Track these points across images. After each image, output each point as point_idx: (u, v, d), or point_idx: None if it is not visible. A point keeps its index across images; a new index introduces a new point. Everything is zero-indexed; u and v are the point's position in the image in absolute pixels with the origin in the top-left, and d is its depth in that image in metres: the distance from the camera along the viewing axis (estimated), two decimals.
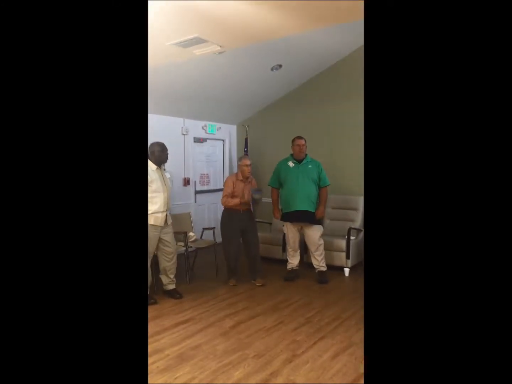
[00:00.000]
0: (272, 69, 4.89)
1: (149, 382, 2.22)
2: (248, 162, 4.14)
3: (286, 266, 4.42)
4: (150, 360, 2.49)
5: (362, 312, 3.29)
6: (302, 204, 4.13)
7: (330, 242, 4.57)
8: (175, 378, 2.28)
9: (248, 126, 6.40)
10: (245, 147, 6.26)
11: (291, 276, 4.30)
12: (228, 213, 4.15)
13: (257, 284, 4.07)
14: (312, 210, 4.17)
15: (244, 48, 3.91)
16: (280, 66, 4.86)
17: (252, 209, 4.30)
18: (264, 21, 2.56)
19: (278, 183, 4.32)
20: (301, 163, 4.22)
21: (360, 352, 2.57)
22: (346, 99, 5.42)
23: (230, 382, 2.23)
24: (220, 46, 2.75)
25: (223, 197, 4.14)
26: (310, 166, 4.23)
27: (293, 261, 4.37)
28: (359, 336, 2.82)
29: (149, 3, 2.08)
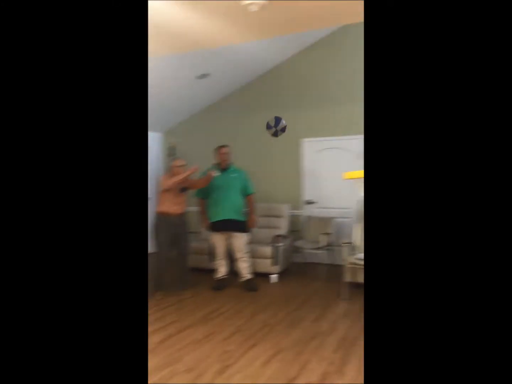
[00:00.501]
0: (198, 77, 4.88)
1: None
2: (179, 163, 4.10)
3: (214, 275, 4.40)
4: None
5: (290, 317, 3.39)
6: (229, 213, 4.16)
7: (256, 249, 4.65)
8: None
9: (174, 134, 6.28)
10: (172, 155, 6.13)
11: (220, 285, 4.29)
12: (160, 219, 4.01)
13: (155, 298, 3.93)
14: (240, 219, 4.22)
15: (169, 56, 3.85)
16: (206, 75, 4.87)
17: (183, 213, 4.17)
18: (192, 32, 2.56)
19: (203, 193, 4.29)
20: (226, 172, 4.22)
21: (289, 356, 2.64)
22: (271, 109, 5.59)
23: None
24: None
25: (159, 195, 4.06)
26: (235, 174, 4.26)
27: (221, 269, 4.36)
28: (288, 341, 2.90)
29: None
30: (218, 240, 4.30)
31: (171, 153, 6.14)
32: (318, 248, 4.86)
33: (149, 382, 2.34)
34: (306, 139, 5.45)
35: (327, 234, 4.85)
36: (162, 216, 4.00)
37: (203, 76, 4.85)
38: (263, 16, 2.49)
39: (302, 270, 5.06)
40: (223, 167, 4.24)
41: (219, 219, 4.17)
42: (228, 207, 4.15)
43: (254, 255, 4.57)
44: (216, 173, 4.11)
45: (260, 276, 4.56)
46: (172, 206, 3.97)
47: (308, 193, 5.48)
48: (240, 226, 4.22)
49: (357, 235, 4.26)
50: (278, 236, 4.76)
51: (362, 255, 3.94)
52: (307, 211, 5.42)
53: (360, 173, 2.22)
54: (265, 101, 5.64)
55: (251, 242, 4.51)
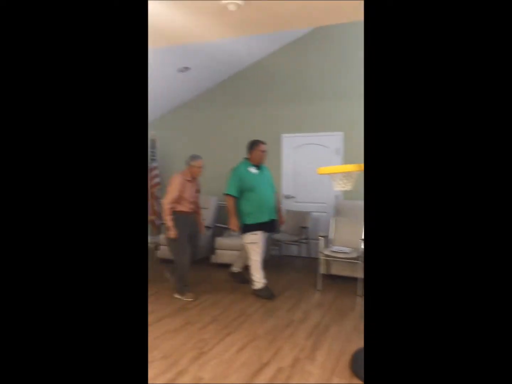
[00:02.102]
0: (179, 71, 4.91)
1: None
2: (200, 163, 3.76)
3: (255, 285, 3.86)
4: None
5: (266, 307, 3.50)
6: (273, 213, 3.90)
7: (239, 242, 4.75)
8: None
9: (155, 127, 6.29)
10: (152, 148, 6.14)
11: (268, 293, 3.79)
12: (177, 217, 3.69)
13: (186, 299, 3.70)
14: (277, 218, 4.04)
15: (151, 49, 3.87)
16: (187, 68, 4.90)
17: (199, 212, 3.99)
18: (173, 27, 2.60)
19: (238, 191, 3.78)
20: (261, 169, 3.90)
21: (263, 343, 2.75)
22: (251, 104, 5.67)
23: None
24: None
25: (168, 199, 3.65)
26: (267, 172, 3.99)
27: (260, 276, 3.83)
28: (263, 329, 3.00)
29: None
30: (260, 241, 3.83)
31: (152, 145, 6.15)
32: (295, 241, 4.99)
33: None
34: (285, 135, 5.56)
35: (304, 227, 4.98)
36: (180, 215, 3.71)
37: (185, 69, 4.88)
38: (241, 15, 2.56)
39: (279, 262, 5.19)
40: (259, 164, 3.88)
41: (266, 220, 3.83)
42: (272, 206, 3.87)
43: (236, 248, 4.68)
44: (253, 170, 3.83)
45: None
46: (188, 205, 3.75)
47: (286, 188, 5.60)
48: (277, 225, 4.06)
49: (333, 229, 4.41)
50: None
51: (336, 248, 4.09)
52: (286, 205, 5.54)
53: (334, 168, 2.33)
54: (245, 96, 5.71)
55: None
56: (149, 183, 6.00)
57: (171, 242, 3.70)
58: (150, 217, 6.05)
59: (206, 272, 4.54)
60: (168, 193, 3.68)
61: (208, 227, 5.21)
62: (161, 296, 3.82)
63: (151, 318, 3.25)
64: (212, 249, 4.97)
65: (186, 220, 3.75)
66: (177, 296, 3.78)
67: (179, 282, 3.75)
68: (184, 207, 3.72)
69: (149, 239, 6.19)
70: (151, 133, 6.25)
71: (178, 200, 3.68)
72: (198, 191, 3.96)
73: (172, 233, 3.61)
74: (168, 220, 3.62)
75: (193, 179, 3.82)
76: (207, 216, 5.35)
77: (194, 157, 3.77)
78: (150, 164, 6.04)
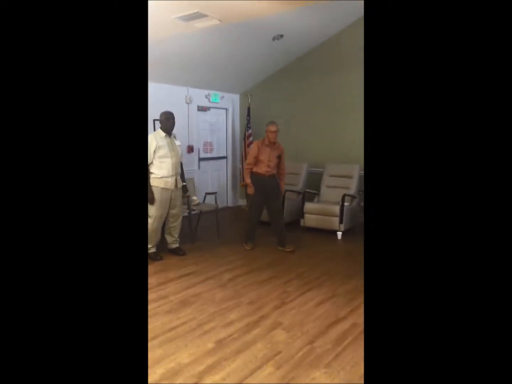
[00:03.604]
0: (273, 39, 5.01)
1: (156, 322, 2.58)
2: (274, 128, 4.11)
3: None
4: (156, 304, 2.84)
5: (349, 270, 3.61)
6: None
7: (325, 208, 4.87)
8: (178, 318, 2.63)
9: (250, 95, 6.55)
10: (247, 116, 6.45)
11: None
12: (254, 177, 4.21)
13: (287, 250, 4.18)
14: None
15: (245, 21, 4.05)
16: (282, 36, 4.98)
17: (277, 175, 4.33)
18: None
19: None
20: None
21: (342, 301, 2.90)
22: (345, 70, 5.54)
23: (226, 322, 2.58)
24: (220, 21, 2.92)
25: (247, 162, 4.24)
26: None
27: None
28: (343, 289, 3.15)
29: None
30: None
31: (248, 113, 6.45)
32: None
33: (217, 308, 2.79)
34: None
35: None
36: (256, 176, 4.18)
37: (279, 37, 4.97)
38: None
39: None
40: (273, 143, 4.21)
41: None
42: None
43: (323, 213, 4.82)
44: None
45: (328, 233, 4.80)
46: (264, 168, 4.18)
47: None
48: None
49: None
50: (347, 195, 4.89)
51: None
52: None
53: None
54: (340, 61, 5.59)
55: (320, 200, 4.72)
56: (246, 149, 6.36)
57: (247, 197, 4.34)
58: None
59: (295, 234, 4.77)
60: (248, 156, 4.32)
61: (298, 192, 5.40)
62: (252, 253, 4.17)
63: (243, 269, 3.62)
64: (301, 213, 5.16)
65: (262, 181, 4.16)
66: (280, 248, 4.24)
67: (245, 234, 4.35)
68: (260, 169, 4.17)
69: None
70: (247, 102, 6.54)
71: (256, 162, 4.17)
72: (279, 156, 4.25)
73: (249, 190, 4.20)
74: (247, 179, 4.23)
75: (271, 143, 4.16)
76: (297, 182, 5.52)
77: (268, 123, 4.18)
78: (247, 131, 6.37)
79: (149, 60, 4.70)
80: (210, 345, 2.30)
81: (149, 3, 2.57)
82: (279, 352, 2.21)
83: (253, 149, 4.25)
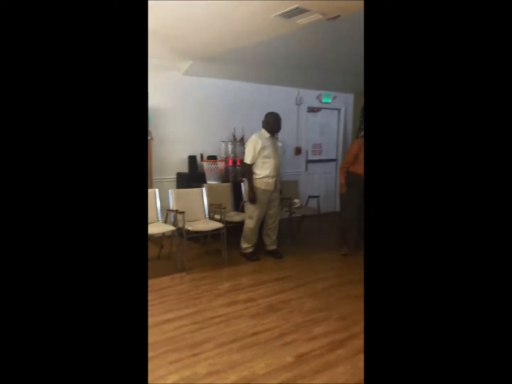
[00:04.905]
0: None
1: (239, 325, 2.56)
2: None
3: None
4: (243, 306, 2.83)
5: None
6: None
7: None
8: (262, 324, 2.57)
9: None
10: (361, 116, 6.09)
11: None
12: (349, 178, 3.99)
13: (341, 253, 4.06)
14: None
15: (355, 14, 3.78)
16: None
17: None
18: None
19: None
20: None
21: None
22: None
23: (310, 336, 2.41)
24: (323, 15, 2.76)
25: (344, 161, 4.13)
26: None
27: None
28: None
29: None
30: None
31: (362, 114, 6.09)
32: None
33: (303, 319, 2.64)
34: None
35: None
36: (353, 176, 3.95)
37: None
38: None
39: None
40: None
41: None
42: None
43: None
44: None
45: None
46: (362, 169, 3.86)
47: None
48: None
49: None
50: None
51: None
52: None
53: None
54: None
55: None
56: None
57: (340, 197, 4.23)
58: None
59: None
60: (346, 154, 4.23)
61: None
62: (352, 262, 3.88)
63: (338, 280, 3.39)
64: None
65: (357, 181, 3.87)
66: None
67: (340, 235, 4.22)
68: (357, 169, 3.94)
69: None
70: (362, 102, 6.17)
71: (353, 162, 3.98)
72: None
73: (342, 189, 4.04)
74: (341, 178, 4.07)
75: None
76: None
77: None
78: (360, 132, 6.03)
79: (255, 61, 4.80)
80: (289, 358, 2.17)
81: (248, 3, 2.55)
82: (363, 382, 1.97)
83: (353, 147, 4.05)
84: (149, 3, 2.70)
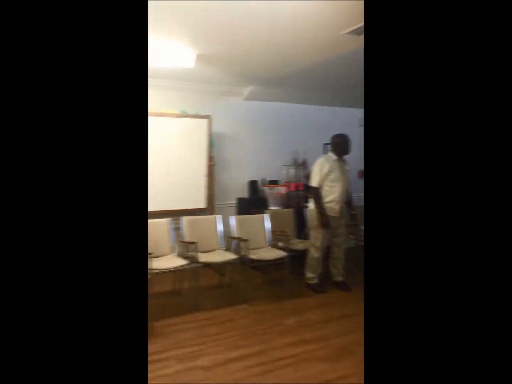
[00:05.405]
0: None
1: (309, 370, 2.31)
2: None
3: None
4: (311, 347, 2.59)
5: None
6: None
7: None
8: (334, 370, 2.30)
9: None
10: None
11: None
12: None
13: None
14: None
15: None
16: None
17: None
18: None
19: None
20: None
21: None
22: None
23: None
24: None
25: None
26: None
27: None
28: None
29: None
30: None
31: None
32: None
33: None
34: None
35: None
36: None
37: None
38: None
39: None
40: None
41: None
42: None
43: None
44: None
45: None
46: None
47: None
48: None
49: None
50: None
51: None
52: None
53: None
54: None
55: None
56: None
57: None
58: None
59: None
60: None
61: None
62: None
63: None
64: None
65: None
66: None
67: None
68: None
69: None
70: None
71: None
72: None
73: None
74: None
75: None
76: None
77: None
78: None
79: (316, 83, 4.65)
80: None
81: (318, 19, 2.42)
82: None
83: None
84: (211, 29, 2.67)
